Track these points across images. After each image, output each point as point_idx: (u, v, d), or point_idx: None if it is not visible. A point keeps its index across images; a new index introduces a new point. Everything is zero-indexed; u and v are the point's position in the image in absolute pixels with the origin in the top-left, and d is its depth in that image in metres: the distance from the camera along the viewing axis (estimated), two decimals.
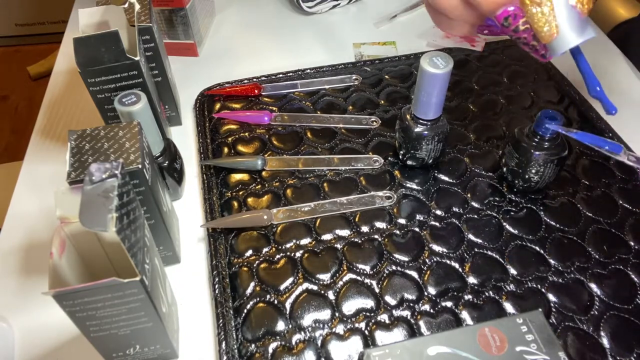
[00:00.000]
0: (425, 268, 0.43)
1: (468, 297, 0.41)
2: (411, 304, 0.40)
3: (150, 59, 0.49)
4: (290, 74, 0.61)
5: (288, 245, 0.44)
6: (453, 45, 0.64)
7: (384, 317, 0.40)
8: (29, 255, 0.46)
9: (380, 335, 0.39)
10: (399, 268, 0.43)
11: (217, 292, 0.42)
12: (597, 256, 0.43)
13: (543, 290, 0.41)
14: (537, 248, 0.44)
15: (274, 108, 0.57)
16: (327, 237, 0.45)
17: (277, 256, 0.44)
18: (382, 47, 0.66)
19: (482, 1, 0.34)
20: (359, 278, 0.42)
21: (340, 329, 0.39)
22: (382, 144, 0.53)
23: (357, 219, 0.46)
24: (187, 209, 0.49)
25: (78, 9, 0.54)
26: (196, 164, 0.53)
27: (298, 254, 0.44)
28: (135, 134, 0.37)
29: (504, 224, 0.45)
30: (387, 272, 0.42)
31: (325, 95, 0.58)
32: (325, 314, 0.40)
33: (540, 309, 0.36)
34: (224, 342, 0.39)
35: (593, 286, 0.41)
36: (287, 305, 0.41)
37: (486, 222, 0.46)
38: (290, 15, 0.73)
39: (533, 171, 0.44)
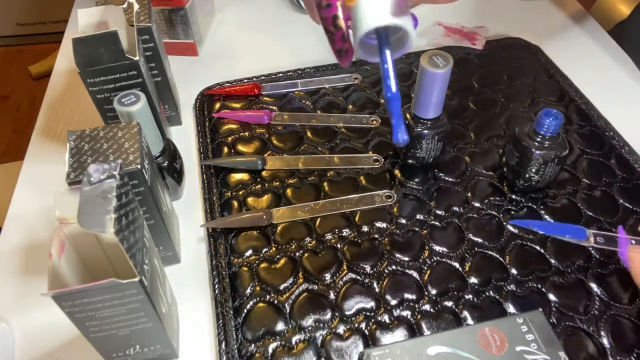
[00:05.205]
0: (425, 268, 0.42)
1: (468, 296, 0.41)
2: (411, 304, 0.40)
3: (150, 59, 0.49)
4: (290, 73, 0.60)
5: (288, 245, 0.44)
6: (453, 44, 0.64)
7: (384, 317, 0.40)
8: (29, 256, 0.46)
9: (380, 335, 0.39)
10: (399, 268, 0.43)
11: (217, 292, 0.42)
12: (597, 256, 0.43)
13: (543, 290, 0.41)
14: (538, 248, 0.44)
15: (274, 107, 0.56)
16: (327, 236, 0.45)
17: (277, 256, 0.44)
18: None
19: None
20: (359, 278, 0.42)
21: (340, 328, 0.39)
22: (383, 143, 0.52)
23: (357, 219, 0.46)
24: (187, 209, 0.49)
25: (77, 9, 0.54)
26: (196, 164, 0.53)
27: (298, 254, 0.44)
28: (134, 134, 0.37)
29: (505, 223, 0.45)
30: (387, 271, 0.42)
31: (326, 95, 0.58)
32: (325, 314, 0.40)
33: (540, 309, 0.36)
34: (224, 342, 0.39)
35: (593, 286, 0.41)
36: (287, 305, 0.41)
37: (487, 222, 0.45)
38: (290, 14, 0.73)
39: (534, 170, 0.44)
